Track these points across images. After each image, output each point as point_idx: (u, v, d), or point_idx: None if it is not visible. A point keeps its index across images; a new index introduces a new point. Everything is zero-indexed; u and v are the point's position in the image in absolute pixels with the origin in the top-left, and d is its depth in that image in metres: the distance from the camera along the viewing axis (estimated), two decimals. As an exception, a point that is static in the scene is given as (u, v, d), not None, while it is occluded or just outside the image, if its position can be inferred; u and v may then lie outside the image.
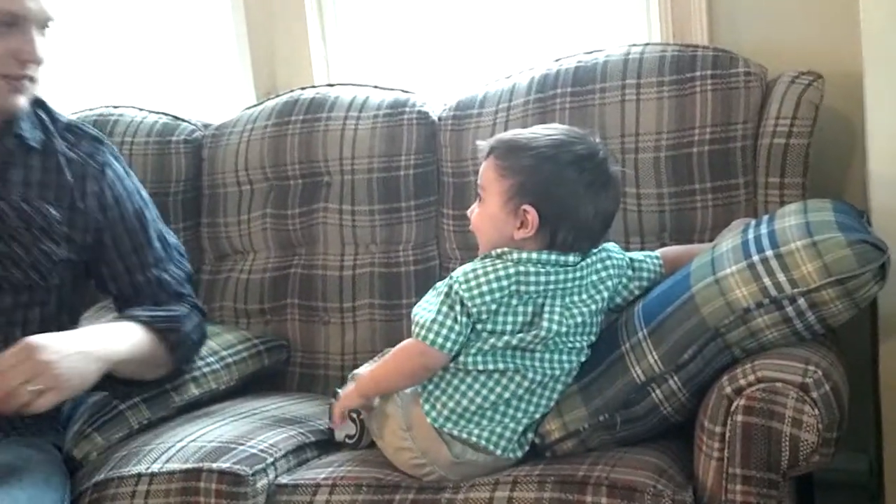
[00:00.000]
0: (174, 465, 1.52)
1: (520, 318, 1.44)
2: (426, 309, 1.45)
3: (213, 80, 2.63)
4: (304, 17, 2.33)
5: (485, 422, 1.45)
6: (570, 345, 1.46)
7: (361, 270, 2.04)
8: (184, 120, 2.28)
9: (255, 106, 2.25)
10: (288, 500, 1.47)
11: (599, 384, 1.43)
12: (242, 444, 1.55)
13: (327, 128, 2.09)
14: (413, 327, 1.45)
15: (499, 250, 1.47)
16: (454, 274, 1.46)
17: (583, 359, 1.48)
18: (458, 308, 1.42)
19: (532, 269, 1.44)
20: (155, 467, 1.53)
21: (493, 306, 1.43)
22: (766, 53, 1.82)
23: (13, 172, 1.62)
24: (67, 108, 2.46)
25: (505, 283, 1.43)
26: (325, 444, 1.63)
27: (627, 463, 1.36)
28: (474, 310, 1.42)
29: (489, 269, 1.44)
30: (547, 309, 1.44)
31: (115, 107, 2.32)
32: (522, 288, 1.44)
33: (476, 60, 2.30)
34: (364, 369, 1.63)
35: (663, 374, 1.37)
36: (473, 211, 1.55)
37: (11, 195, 1.61)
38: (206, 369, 1.83)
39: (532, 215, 1.44)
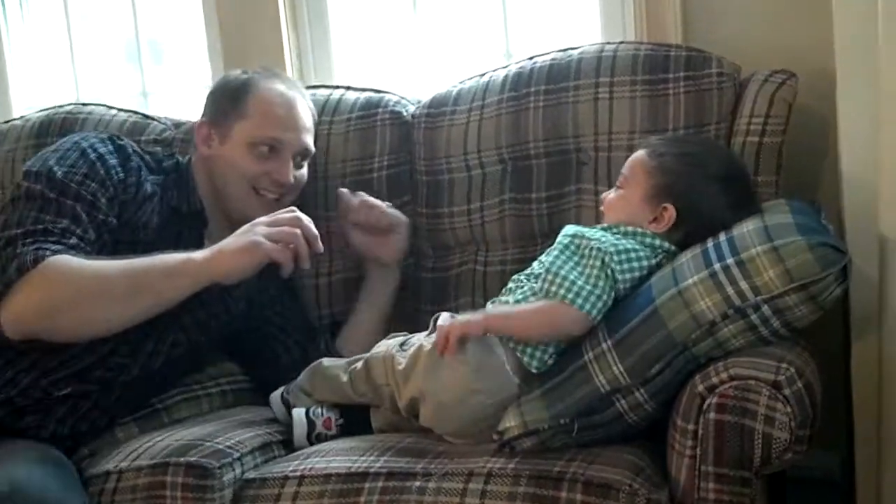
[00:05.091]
0: (141, 462, 1.52)
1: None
2: (574, 272, 1.45)
3: (184, 77, 2.62)
4: (277, 15, 2.31)
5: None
6: None
7: (336, 277, 2.02)
8: (154, 119, 2.22)
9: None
10: (256, 493, 1.46)
11: (562, 390, 1.41)
12: (209, 441, 1.54)
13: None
14: (559, 289, 1.44)
15: (644, 231, 1.52)
16: (601, 244, 1.46)
17: None
18: (609, 283, 1.44)
19: (664, 261, 1.48)
20: (123, 465, 1.53)
21: (630, 287, 1.46)
22: (741, 51, 1.82)
23: None
24: (34, 104, 2.45)
25: (646, 269, 1.47)
26: (292, 443, 1.61)
27: (604, 460, 1.35)
28: (621, 286, 1.45)
29: (640, 252, 1.48)
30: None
31: (84, 104, 2.29)
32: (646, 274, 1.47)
33: (451, 57, 2.30)
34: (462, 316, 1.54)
35: (629, 386, 1.36)
36: (610, 193, 1.62)
37: None
38: (200, 392, 1.83)
39: (670, 214, 1.52)
